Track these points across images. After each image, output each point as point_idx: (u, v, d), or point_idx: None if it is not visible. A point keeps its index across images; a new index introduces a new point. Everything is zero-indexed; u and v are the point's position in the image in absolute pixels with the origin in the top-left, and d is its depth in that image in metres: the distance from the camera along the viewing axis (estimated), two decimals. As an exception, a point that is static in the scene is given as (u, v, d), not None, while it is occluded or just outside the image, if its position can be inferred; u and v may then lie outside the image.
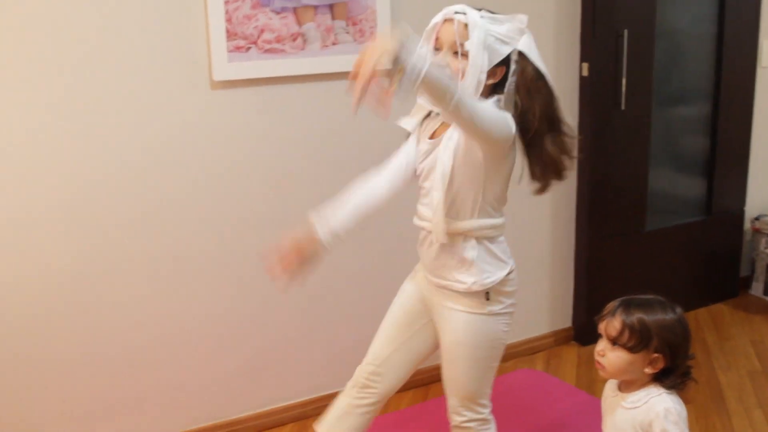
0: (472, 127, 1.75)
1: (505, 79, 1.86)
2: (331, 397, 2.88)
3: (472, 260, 1.94)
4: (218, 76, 2.47)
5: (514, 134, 1.84)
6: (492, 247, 1.98)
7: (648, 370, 1.72)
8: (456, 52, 1.84)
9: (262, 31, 2.48)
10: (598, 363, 1.78)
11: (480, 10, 1.85)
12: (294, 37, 2.54)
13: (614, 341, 1.73)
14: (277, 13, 2.50)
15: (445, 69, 1.82)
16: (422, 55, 1.62)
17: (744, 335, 3.53)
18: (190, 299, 2.62)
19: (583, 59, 3.20)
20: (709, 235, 3.78)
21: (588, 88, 3.20)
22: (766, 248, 3.85)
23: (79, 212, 2.39)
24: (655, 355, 1.70)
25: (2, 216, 2.30)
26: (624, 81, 3.23)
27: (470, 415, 2.06)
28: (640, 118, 3.38)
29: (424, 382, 3.02)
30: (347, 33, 2.62)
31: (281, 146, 2.66)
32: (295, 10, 2.52)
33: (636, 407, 1.73)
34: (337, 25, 2.60)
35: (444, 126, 1.95)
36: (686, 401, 1.78)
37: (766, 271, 3.87)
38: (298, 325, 2.82)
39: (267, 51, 2.51)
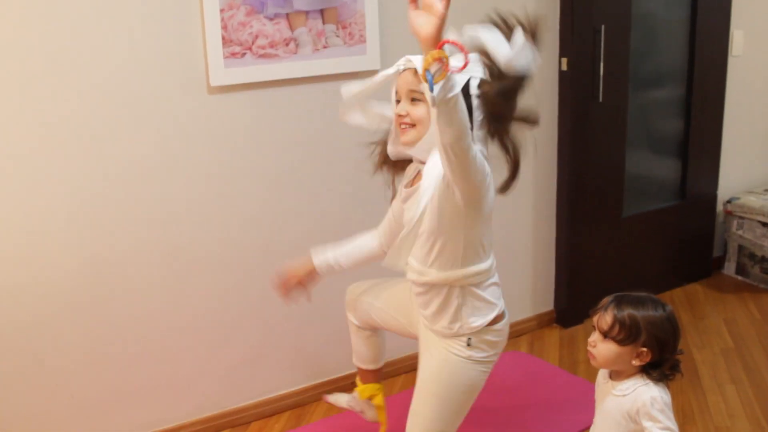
0: (461, 164, 1.70)
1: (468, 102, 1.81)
2: (327, 384, 3.05)
3: (456, 308, 1.96)
4: (215, 82, 2.56)
5: (489, 176, 1.82)
6: (479, 291, 1.97)
7: (635, 363, 1.82)
8: (413, 99, 1.85)
9: (256, 37, 2.57)
10: (590, 353, 1.88)
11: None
12: (287, 42, 2.63)
13: (605, 334, 1.83)
14: (270, 19, 2.59)
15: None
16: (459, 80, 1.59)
17: (717, 314, 3.68)
18: (191, 295, 2.73)
19: (562, 54, 3.31)
20: (684, 219, 3.93)
21: (567, 82, 3.32)
22: (737, 230, 4.00)
23: (84, 214, 2.49)
24: (643, 349, 1.80)
25: (12, 219, 2.39)
26: (602, 74, 3.36)
27: None
28: (617, 109, 3.51)
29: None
30: (337, 36, 2.72)
31: (276, 147, 2.76)
32: (287, 15, 2.61)
33: (624, 395, 1.83)
34: (328, 29, 2.70)
35: (419, 176, 1.94)
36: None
37: (737, 251, 4.03)
38: (293, 317, 2.93)
39: (261, 56, 2.60)
